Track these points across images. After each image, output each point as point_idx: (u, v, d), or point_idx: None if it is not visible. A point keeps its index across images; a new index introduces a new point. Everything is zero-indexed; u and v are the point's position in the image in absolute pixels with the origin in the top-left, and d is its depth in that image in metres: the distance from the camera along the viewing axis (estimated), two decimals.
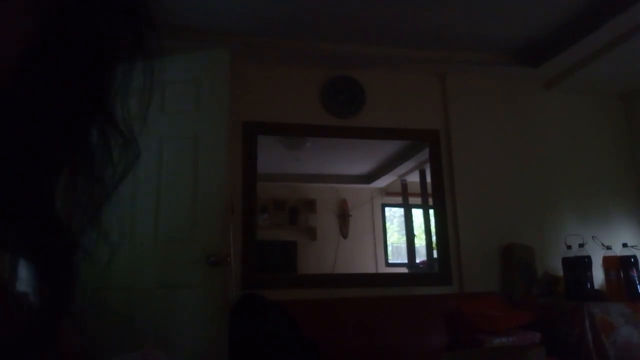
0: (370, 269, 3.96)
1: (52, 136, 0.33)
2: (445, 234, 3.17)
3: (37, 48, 0.30)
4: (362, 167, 4.10)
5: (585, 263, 2.65)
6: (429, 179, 3.38)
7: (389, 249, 4.19)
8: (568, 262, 2.71)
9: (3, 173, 0.31)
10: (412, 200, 4.02)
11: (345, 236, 3.96)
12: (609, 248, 2.72)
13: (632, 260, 2.61)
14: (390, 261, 4.11)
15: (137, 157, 0.36)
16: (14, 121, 0.31)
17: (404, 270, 3.99)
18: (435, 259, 3.27)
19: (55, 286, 0.32)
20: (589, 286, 2.64)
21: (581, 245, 2.72)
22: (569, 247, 2.72)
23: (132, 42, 0.36)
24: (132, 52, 0.36)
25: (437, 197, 3.24)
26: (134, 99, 0.37)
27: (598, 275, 2.76)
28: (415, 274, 3.70)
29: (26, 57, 0.29)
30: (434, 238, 3.25)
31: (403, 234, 4.20)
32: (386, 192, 4.20)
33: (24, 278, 0.31)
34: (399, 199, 4.16)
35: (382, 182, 4.14)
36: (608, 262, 2.69)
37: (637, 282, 2.58)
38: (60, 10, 0.31)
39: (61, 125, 0.33)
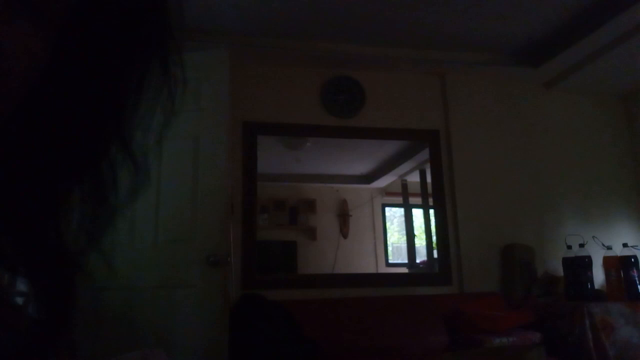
0: (371, 269, 3.97)
1: (66, 156, 0.31)
2: (446, 234, 3.17)
3: (54, 60, 0.28)
4: (362, 167, 4.11)
5: (585, 263, 2.65)
6: (429, 179, 3.38)
7: (389, 249, 4.20)
8: (568, 262, 2.71)
9: (9, 191, 0.30)
10: (412, 200, 4.02)
11: (345, 236, 3.97)
12: (609, 248, 2.72)
13: (633, 260, 2.61)
14: (390, 261, 4.12)
15: (147, 181, 0.34)
16: (26, 136, 0.29)
17: (404, 270, 3.99)
18: (435, 259, 3.27)
19: (54, 308, 0.31)
20: (589, 286, 2.64)
21: (581, 245, 2.72)
22: (569, 247, 2.72)
23: (154, 51, 0.33)
24: (153, 62, 0.33)
25: (437, 197, 3.24)
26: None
27: (598, 275, 2.76)
28: (415, 274, 3.70)
29: (42, 68, 0.28)
30: (434, 238, 3.25)
31: (403, 234, 4.21)
32: (386, 192, 4.20)
33: (22, 291, 0.30)
34: (399, 199, 4.17)
35: (382, 182, 4.14)
36: (608, 262, 2.69)
37: (638, 282, 2.58)
38: (81, 20, 0.29)
39: (77, 145, 0.31)
